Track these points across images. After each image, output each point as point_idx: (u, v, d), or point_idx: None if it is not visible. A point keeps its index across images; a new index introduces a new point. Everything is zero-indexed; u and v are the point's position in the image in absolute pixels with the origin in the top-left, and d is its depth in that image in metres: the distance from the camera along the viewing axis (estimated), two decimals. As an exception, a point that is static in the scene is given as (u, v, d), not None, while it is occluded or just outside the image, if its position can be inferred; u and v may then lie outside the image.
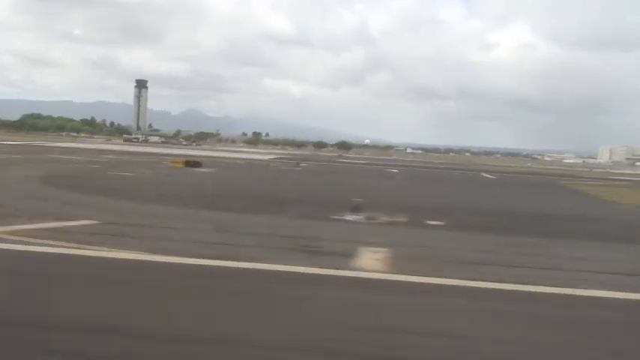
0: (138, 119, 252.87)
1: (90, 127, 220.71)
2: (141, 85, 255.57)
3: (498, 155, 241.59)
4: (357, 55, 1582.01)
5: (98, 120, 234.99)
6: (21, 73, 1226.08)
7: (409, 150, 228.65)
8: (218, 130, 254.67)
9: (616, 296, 7.34)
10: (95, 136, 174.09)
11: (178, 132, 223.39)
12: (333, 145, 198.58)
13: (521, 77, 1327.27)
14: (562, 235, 14.35)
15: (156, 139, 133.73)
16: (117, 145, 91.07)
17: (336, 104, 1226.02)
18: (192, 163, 35.60)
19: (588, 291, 7.54)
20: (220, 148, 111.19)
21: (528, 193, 32.19)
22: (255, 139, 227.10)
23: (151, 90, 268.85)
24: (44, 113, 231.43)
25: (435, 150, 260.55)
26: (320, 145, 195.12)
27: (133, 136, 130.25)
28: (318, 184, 30.18)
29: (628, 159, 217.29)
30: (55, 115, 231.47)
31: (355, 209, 16.43)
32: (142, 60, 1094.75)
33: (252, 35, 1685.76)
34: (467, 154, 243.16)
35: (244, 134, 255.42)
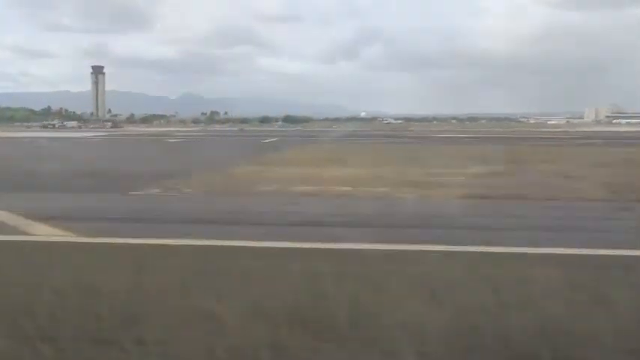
0: (97, 105, 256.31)
1: (44, 116, 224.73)
2: (97, 71, 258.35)
3: (483, 120, 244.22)
4: (350, 27, 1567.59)
5: (54, 108, 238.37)
6: (15, 67, 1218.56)
7: (387, 120, 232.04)
8: (177, 112, 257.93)
9: None
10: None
11: (132, 116, 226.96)
12: (279, 120, 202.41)
13: (519, 41, 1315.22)
14: None
15: (73, 123, 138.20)
16: (21, 133, 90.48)
17: (335, 79, 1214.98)
18: None
19: None
20: (110, 129, 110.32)
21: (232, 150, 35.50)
22: (209, 118, 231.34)
23: (147, 75, 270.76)
24: (42, 105, 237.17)
25: (423, 119, 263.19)
26: (265, 120, 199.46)
27: (49, 122, 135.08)
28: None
29: (607, 117, 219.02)
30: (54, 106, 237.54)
31: None
32: (135, 46, 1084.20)
33: (241, 15, 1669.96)
34: (453, 121, 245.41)
35: (204, 114, 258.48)
